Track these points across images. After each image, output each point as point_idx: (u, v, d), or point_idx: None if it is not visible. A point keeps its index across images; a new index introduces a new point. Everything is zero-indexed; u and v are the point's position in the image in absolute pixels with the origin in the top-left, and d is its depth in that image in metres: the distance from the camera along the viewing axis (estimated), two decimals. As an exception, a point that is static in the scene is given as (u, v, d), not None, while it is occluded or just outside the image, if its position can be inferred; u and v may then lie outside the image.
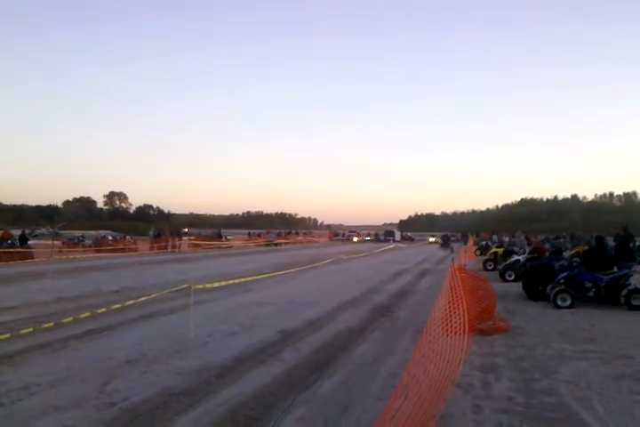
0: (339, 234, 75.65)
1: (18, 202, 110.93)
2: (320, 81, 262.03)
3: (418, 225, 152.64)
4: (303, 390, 5.32)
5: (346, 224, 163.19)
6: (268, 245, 46.47)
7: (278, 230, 66.35)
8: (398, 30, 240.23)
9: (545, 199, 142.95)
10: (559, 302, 10.69)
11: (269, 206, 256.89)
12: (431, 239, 64.77)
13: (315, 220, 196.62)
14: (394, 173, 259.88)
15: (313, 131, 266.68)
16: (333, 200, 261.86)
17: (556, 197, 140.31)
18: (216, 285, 9.55)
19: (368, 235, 71.94)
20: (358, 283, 15.55)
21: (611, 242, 14.59)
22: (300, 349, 7.14)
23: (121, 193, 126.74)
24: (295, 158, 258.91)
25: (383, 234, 73.05)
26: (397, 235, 74.08)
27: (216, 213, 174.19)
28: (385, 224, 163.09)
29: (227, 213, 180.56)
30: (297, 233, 68.33)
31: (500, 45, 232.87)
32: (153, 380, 5.60)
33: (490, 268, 20.82)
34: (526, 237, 25.22)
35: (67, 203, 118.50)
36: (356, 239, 67.27)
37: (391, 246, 47.41)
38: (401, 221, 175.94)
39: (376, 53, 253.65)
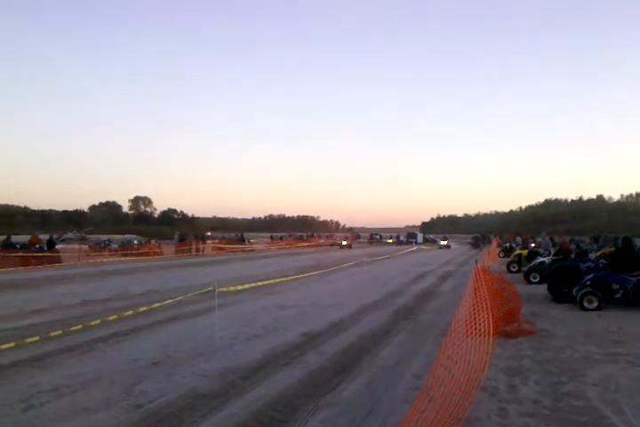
0: (359, 236, 75.55)
1: (45, 207, 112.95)
2: (339, 82, 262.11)
3: (440, 227, 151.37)
4: (327, 392, 5.33)
5: (368, 227, 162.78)
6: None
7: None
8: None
9: (570, 200, 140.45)
10: (586, 305, 10.53)
11: (291, 210, 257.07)
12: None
13: (337, 223, 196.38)
14: (416, 175, 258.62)
15: (334, 133, 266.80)
16: (356, 203, 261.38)
17: (581, 198, 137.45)
18: (240, 287, 9.61)
19: (390, 237, 71.56)
20: (381, 285, 15.52)
21: (638, 243, 14.30)
22: (324, 351, 7.15)
23: (145, 198, 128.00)
24: (317, 161, 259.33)
25: (405, 236, 72.69)
26: (420, 237, 73.63)
27: (239, 217, 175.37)
28: (407, 226, 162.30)
29: (249, 217, 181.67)
30: (319, 236, 68.43)
31: (510, 41, 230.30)
32: (179, 382, 5.67)
33: (514, 270, 20.60)
34: (551, 239, 24.89)
35: (93, 208, 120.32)
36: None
37: (413, 249, 47.15)
38: (423, 223, 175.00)
39: (389, 54, 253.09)
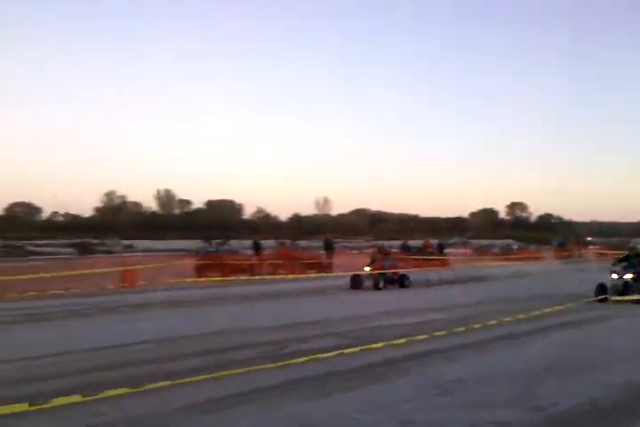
0: None
1: (432, 215, 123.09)
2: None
3: None
4: None
5: None
6: None
7: None
8: None
9: None
10: None
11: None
12: None
13: None
14: None
15: None
16: None
17: None
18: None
19: None
20: None
21: None
22: None
23: (521, 203, 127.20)
24: None
25: None
26: None
27: (622, 221, 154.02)
28: None
29: (634, 220, 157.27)
30: None
31: None
32: (576, 390, 5.50)
33: None
34: None
35: (472, 214, 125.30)
36: None
37: None
38: None
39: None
